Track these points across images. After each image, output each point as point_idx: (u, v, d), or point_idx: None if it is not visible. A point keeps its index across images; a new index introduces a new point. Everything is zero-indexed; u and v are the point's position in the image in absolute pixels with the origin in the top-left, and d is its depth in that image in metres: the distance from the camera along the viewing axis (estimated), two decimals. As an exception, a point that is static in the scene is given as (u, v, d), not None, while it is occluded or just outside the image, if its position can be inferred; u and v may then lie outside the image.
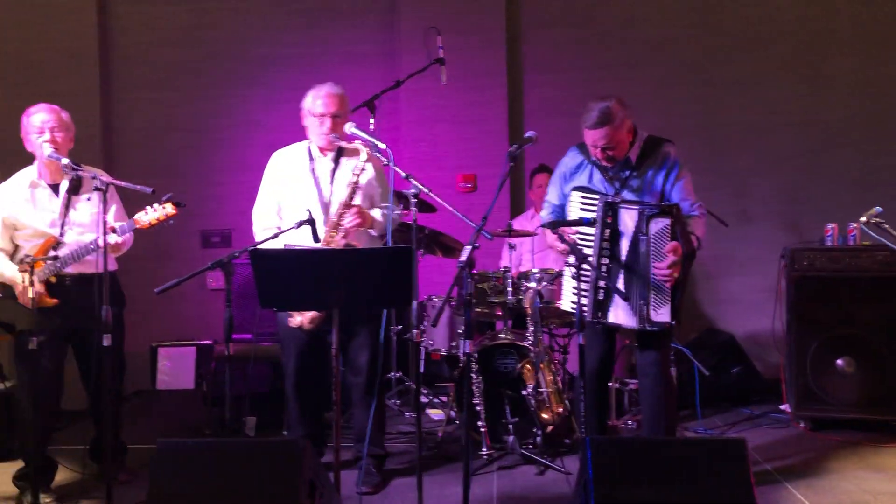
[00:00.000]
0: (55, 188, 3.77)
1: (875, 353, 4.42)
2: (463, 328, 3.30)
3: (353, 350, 3.82)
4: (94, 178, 3.44)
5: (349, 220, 3.65)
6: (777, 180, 5.74)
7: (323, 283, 3.05)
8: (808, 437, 4.46)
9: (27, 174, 3.79)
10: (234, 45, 5.95)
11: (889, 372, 4.39)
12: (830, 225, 4.62)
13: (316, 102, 3.78)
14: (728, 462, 2.77)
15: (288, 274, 3.11)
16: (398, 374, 5.21)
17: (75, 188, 3.77)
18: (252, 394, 4.62)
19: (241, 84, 5.94)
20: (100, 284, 3.31)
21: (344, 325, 3.66)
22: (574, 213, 3.55)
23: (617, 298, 3.47)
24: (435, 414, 5.01)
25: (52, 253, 3.63)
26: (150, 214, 3.59)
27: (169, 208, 3.58)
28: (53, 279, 3.67)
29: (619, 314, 3.48)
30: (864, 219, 3.68)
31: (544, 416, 4.06)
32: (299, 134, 3.95)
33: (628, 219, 3.41)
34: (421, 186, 3.39)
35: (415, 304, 3.23)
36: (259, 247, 3.37)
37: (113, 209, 3.75)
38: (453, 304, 4.53)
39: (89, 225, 3.72)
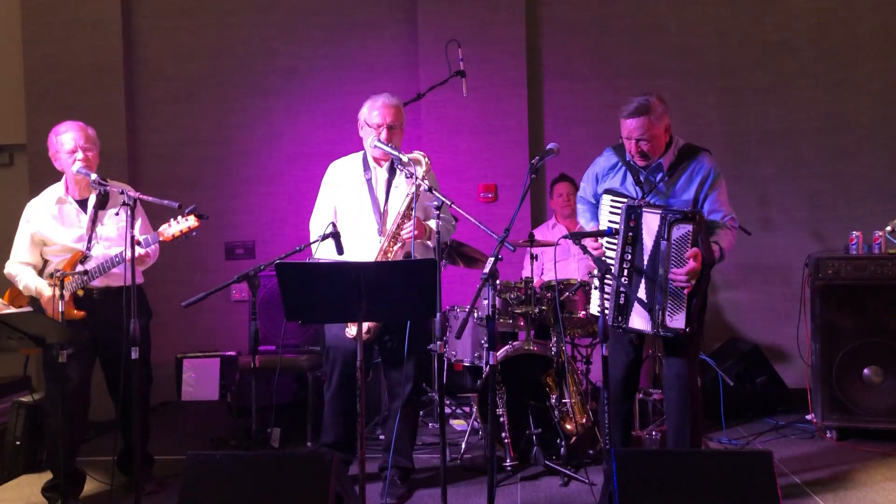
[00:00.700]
0: (83, 203, 3.83)
1: (902, 363, 4.36)
2: (486, 339, 3.30)
3: (395, 375, 3.84)
4: (121, 193, 3.51)
5: (407, 231, 3.66)
6: (800, 188, 5.69)
7: (348, 296, 3.07)
8: (836, 447, 4.41)
9: (55, 191, 3.85)
10: (257, 58, 6.00)
11: (917, 381, 4.34)
12: (855, 233, 4.57)
13: (372, 113, 3.77)
14: (755, 475, 2.75)
15: (313, 286, 3.13)
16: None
17: (102, 203, 3.83)
18: (276, 405, 4.66)
19: (263, 96, 5.99)
20: (128, 298, 3.36)
21: (395, 337, 3.73)
22: (604, 216, 3.56)
23: (637, 303, 3.46)
24: (458, 425, 5.01)
25: (80, 267, 3.68)
26: (174, 227, 3.64)
27: (192, 220, 3.62)
28: (81, 292, 3.73)
29: (637, 319, 3.47)
30: (889, 227, 3.66)
31: (568, 426, 4.05)
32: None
33: (651, 222, 3.41)
34: (444, 198, 3.40)
35: (438, 315, 3.23)
36: (283, 260, 3.40)
37: (139, 223, 3.79)
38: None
39: (116, 239, 3.77)
